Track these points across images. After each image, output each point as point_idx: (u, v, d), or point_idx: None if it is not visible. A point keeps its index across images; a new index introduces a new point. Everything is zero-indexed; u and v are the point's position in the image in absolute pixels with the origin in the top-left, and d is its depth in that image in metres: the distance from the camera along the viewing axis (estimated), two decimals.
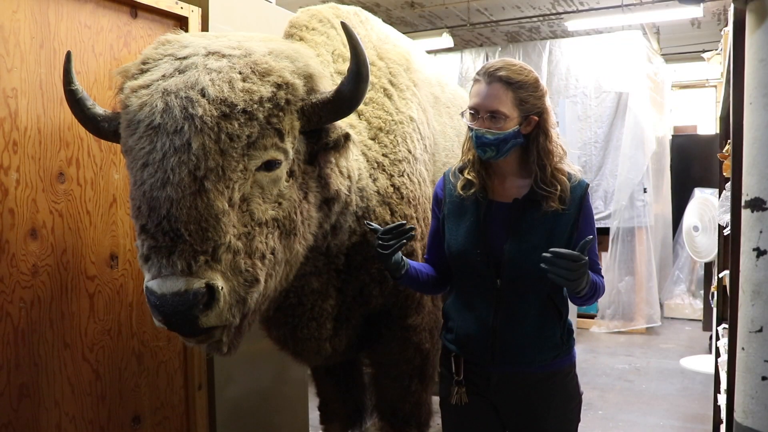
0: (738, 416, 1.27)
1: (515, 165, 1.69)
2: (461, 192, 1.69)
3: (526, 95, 1.61)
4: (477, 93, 1.63)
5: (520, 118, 1.62)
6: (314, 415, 2.78)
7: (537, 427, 1.70)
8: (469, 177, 1.70)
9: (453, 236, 1.71)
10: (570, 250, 1.45)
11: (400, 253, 1.67)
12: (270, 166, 1.47)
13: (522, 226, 1.63)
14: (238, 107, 1.40)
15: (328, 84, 1.67)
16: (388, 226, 1.65)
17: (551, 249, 1.45)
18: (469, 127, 1.66)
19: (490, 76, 1.62)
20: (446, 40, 7.03)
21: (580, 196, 1.65)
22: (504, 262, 1.63)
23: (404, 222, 1.66)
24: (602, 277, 1.69)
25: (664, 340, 5.81)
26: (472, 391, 1.71)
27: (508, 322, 1.65)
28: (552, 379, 1.69)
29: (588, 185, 1.69)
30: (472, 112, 1.64)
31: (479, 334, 1.67)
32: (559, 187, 1.62)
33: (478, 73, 1.66)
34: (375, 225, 1.69)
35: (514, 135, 1.61)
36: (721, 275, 2.85)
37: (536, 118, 1.64)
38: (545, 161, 1.64)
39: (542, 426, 1.70)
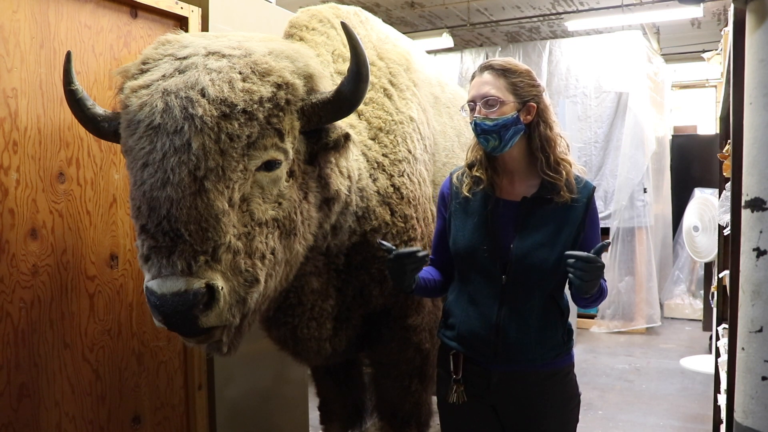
0: (738, 416, 1.27)
1: (522, 161, 1.71)
2: (468, 193, 1.71)
3: (519, 80, 1.66)
4: (472, 86, 1.69)
5: (518, 104, 1.65)
6: (314, 415, 2.78)
7: (536, 427, 1.70)
8: (478, 174, 1.72)
9: (460, 232, 1.72)
10: (587, 254, 1.49)
11: None
12: (270, 166, 1.47)
13: (530, 223, 1.65)
14: (238, 107, 1.40)
15: (328, 84, 1.67)
16: (401, 252, 1.60)
17: (569, 252, 1.51)
18: (470, 122, 1.68)
19: (481, 68, 1.69)
20: (446, 40, 7.03)
21: (587, 196, 1.68)
22: (511, 258, 1.64)
23: (419, 249, 1.61)
24: (605, 280, 1.69)
25: (664, 340, 5.81)
26: (470, 392, 1.71)
27: (511, 318, 1.65)
28: (552, 379, 1.69)
29: (594, 188, 1.72)
30: (471, 105, 1.68)
31: (482, 330, 1.68)
32: (564, 174, 1.66)
33: (473, 73, 1.72)
34: (388, 245, 1.65)
35: (513, 121, 1.63)
36: (721, 275, 2.85)
37: (534, 105, 1.66)
38: (548, 149, 1.67)
39: (541, 426, 1.70)
